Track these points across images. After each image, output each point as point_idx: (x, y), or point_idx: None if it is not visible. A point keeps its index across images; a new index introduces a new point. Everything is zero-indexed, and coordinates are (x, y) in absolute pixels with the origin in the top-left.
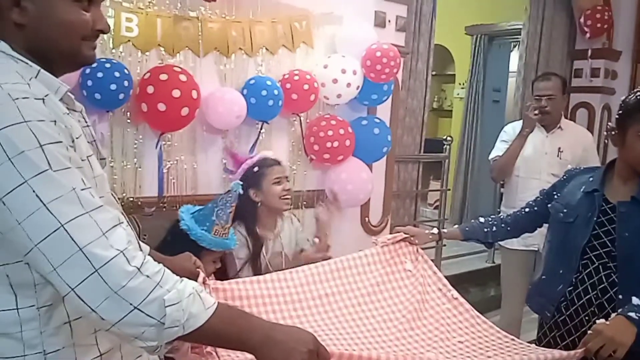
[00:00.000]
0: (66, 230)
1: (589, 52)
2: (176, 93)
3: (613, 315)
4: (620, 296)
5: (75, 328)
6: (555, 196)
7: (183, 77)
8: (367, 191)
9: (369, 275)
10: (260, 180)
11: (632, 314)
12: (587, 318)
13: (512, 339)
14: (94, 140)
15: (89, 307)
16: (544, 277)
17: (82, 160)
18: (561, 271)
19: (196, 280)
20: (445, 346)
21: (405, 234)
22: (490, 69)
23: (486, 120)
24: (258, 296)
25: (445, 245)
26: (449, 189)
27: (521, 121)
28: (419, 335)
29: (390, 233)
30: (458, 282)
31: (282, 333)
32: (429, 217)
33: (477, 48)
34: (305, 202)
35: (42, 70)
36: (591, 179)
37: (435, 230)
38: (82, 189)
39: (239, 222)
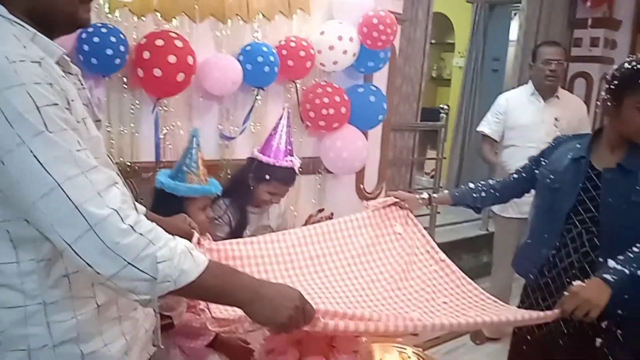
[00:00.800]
0: (62, 189)
1: (589, 21)
2: (172, 59)
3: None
4: (601, 260)
5: (73, 281)
6: (543, 162)
7: (179, 43)
8: (362, 158)
9: (359, 238)
10: (262, 181)
11: (608, 276)
12: (568, 280)
13: (495, 301)
14: (90, 103)
15: (85, 262)
16: (529, 241)
17: (78, 122)
18: (546, 235)
19: (191, 241)
20: (430, 306)
21: (396, 198)
22: (490, 38)
23: (485, 89)
24: (251, 256)
25: (439, 212)
26: (445, 158)
27: (514, 90)
28: (405, 295)
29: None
30: (451, 249)
31: (270, 290)
32: (425, 185)
33: (477, 16)
34: (300, 169)
35: (37, 33)
36: (578, 145)
37: (425, 195)
38: (77, 150)
39: (227, 198)
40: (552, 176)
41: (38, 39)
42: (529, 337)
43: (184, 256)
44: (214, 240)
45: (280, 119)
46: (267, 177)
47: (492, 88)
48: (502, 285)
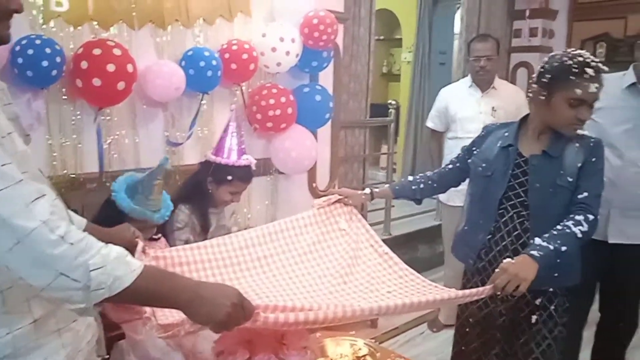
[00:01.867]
0: None
1: (527, 12)
2: (111, 67)
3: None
4: (532, 241)
5: (7, 296)
6: (475, 152)
7: (117, 51)
8: (312, 157)
9: (305, 236)
10: (223, 182)
11: (534, 252)
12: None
13: (435, 286)
14: (17, 118)
15: (17, 274)
16: (466, 227)
17: (2, 137)
18: (481, 221)
19: (135, 250)
20: (375, 297)
21: (339, 195)
22: (436, 32)
23: (433, 82)
24: (198, 261)
25: (394, 206)
26: (396, 152)
27: (454, 83)
28: (351, 289)
29: None
30: (408, 240)
31: (208, 290)
32: (381, 179)
33: (422, 11)
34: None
35: None
36: (506, 134)
37: (367, 191)
38: (2, 165)
39: (188, 204)
40: (483, 164)
41: None
42: (470, 320)
43: (117, 262)
44: (153, 239)
45: (229, 120)
46: (229, 177)
47: (440, 81)
48: (456, 271)
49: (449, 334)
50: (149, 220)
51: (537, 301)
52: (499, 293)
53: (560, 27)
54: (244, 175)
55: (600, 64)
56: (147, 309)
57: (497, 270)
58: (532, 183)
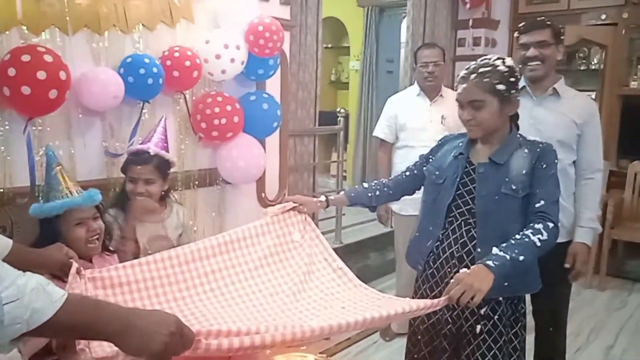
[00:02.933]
0: None
1: (470, 22)
2: (41, 75)
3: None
4: (478, 250)
5: None
6: (431, 159)
7: (48, 58)
8: (260, 166)
9: (257, 247)
10: (125, 173)
11: (490, 262)
12: (449, 270)
13: (390, 297)
14: None
15: None
16: (417, 234)
17: None
18: (431, 228)
19: (69, 271)
20: (329, 313)
21: (294, 202)
22: (383, 40)
23: (381, 90)
24: (140, 280)
25: (344, 214)
26: (345, 160)
27: (401, 92)
28: (303, 305)
29: None
30: (359, 248)
31: (141, 318)
32: (332, 187)
33: (369, 20)
34: (197, 182)
35: None
36: (460, 144)
37: (322, 198)
38: None
39: (114, 210)
40: (437, 172)
41: None
42: (421, 327)
43: (35, 294)
44: (110, 252)
45: (156, 127)
46: (123, 164)
47: (387, 89)
48: (407, 279)
49: (401, 343)
50: (71, 207)
51: (482, 311)
52: (454, 304)
53: (502, 36)
54: (134, 159)
55: (475, 66)
56: (82, 341)
57: (452, 280)
58: (478, 190)
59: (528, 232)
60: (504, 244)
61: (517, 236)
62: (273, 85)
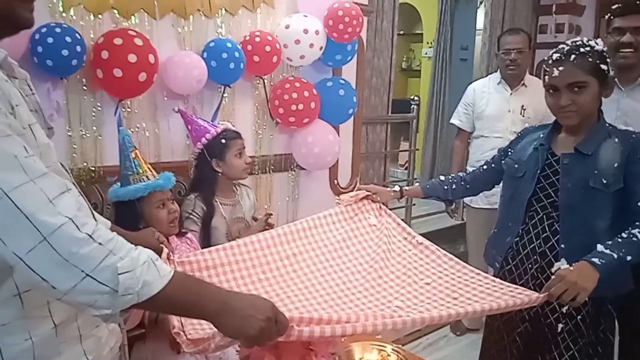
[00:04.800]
0: (10, 199)
1: (554, 8)
2: (132, 58)
3: (557, 264)
4: (562, 245)
5: (25, 300)
6: (510, 152)
7: (139, 41)
8: (335, 153)
9: (334, 233)
10: (224, 151)
11: (596, 260)
12: (529, 266)
13: (478, 273)
14: (40, 109)
15: (39, 276)
16: (496, 230)
17: (24, 128)
18: (510, 224)
19: (160, 255)
20: (413, 290)
21: (367, 191)
22: (458, 27)
23: (454, 78)
24: (225, 264)
25: (414, 204)
26: (418, 149)
27: (482, 80)
28: (387, 283)
29: None
30: (429, 239)
31: (240, 301)
32: (400, 177)
33: (444, 6)
34: (273, 167)
35: None
36: (542, 135)
37: (397, 188)
38: (25, 157)
39: (197, 193)
40: (516, 165)
41: None
42: (495, 324)
43: (147, 267)
44: (182, 233)
45: (182, 114)
46: (223, 141)
47: (461, 77)
48: None
49: (472, 338)
50: (154, 189)
51: (564, 309)
52: (553, 301)
53: (587, 22)
54: (232, 133)
55: (571, 47)
56: (176, 324)
57: (553, 276)
58: (563, 183)
59: (635, 231)
60: (610, 242)
61: (624, 235)
62: (348, 72)
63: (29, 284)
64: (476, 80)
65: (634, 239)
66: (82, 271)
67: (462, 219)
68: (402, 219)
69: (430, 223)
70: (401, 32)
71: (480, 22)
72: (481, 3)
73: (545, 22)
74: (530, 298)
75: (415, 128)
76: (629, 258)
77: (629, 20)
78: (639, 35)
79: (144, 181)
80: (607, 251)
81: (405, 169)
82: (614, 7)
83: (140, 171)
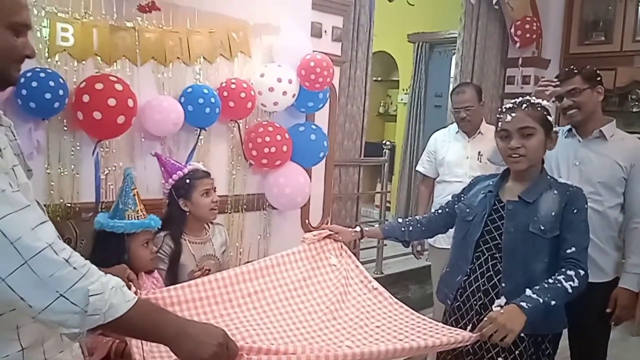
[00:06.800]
0: None
1: (520, 61)
2: (112, 102)
3: (498, 301)
4: (503, 284)
5: None
6: (462, 198)
7: (119, 86)
8: (305, 194)
9: (296, 272)
10: (190, 191)
11: (524, 304)
12: (475, 302)
13: (424, 319)
14: (21, 154)
15: (18, 295)
16: (447, 269)
17: (10, 168)
18: (460, 263)
19: None
20: (364, 332)
21: (330, 231)
22: (432, 75)
23: (428, 124)
24: (189, 300)
25: (386, 245)
26: (389, 191)
27: (443, 129)
28: (340, 324)
29: None
30: (399, 280)
31: (194, 328)
32: (376, 217)
33: (419, 55)
34: (245, 206)
35: None
36: (491, 182)
37: (358, 228)
38: (12, 192)
39: (166, 231)
40: (468, 210)
41: None
42: (447, 358)
43: (114, 292)
44: (158, 272)
45: (156, 155)
46: (188, 181)
47: (435, 123)
48: (441, 312)
49: None
50: (148, 228)
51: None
52: (485, 341)
53: (552, 75)
54: (200, 173)
55: (523, 100)
56: (137, 356)
57: (485, 318)
58: (506, 227)
59: (560, 277)
60: (537, 287)
61: (550, 280)
62: (322, 117)
63: (8, 303)
64: (444, 127)
65: (559, 285)
66: (57, 291)
67: (427, 260)
68: (374, 259)
69: (401, 263)
70: (378, 79)
71: (454, 70)
72: (454, 54)
73: (512, 73)
74: (464, 337)
75: (388, 171)
76: (553, 302)
77: (564, 86)
78: (575, 96)
79: (138, 219)
80: (534, 296)
81: None
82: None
83: (137, 209)
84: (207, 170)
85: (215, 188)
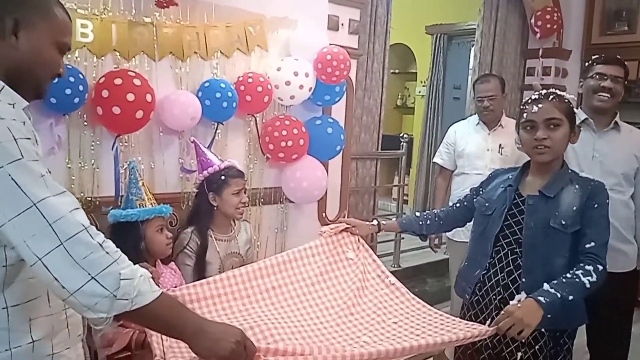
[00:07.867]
0: (37, 208)
1: (540, 52)
2: (130, 97)
3: (518, 296)
4: (523, 279)
5: (12, 314)
6: (481, 192)
7: (137, 81)
8: (322, 188)
9: (313, 266)
10: (222, 187)
11: (541, 298)
12: (494, 297)
13: (441, 315)
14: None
15: (52, 275)
16: (466, 263)
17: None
18: (479, 258)
19: None
20: (381, 328)
21: (347, 224)
22: (450, 67)
23: (446, 116)
24: (208, 297)
25: (403, 238)
26: (406, 184)
27: (463, 121)
28: (357, 320)
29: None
30: (416, 273)
31: (213, 327)
32: (393, 210)
33: (437, 47)
34: (262, 200)
35: (6, 86)
36: (510, 176)
37: (375, 222)
38: (49, 177)
39: (193, 227)
40: (487, 204)
41: (6, 90)
42: (466, 353)
43: (142, 280)
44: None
45: (193, 142)
46: (223, 178)
47: (453, 116)
48: (459, 306)
49: None
50: (160, 214)
51: (523, 338)
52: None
53: (573, 66)
54: (235, 172)
55: (548, 91)
56: (158, 352)
57: (502, 312)
58: (527, 222)
59: (579, 272)
60: (555, 282)
61: (568, 275)
62: (338, 110)
63: (19, 298)
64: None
65: (577, 279)
66: (89, 274)
67: (445, 253)
68: (391, 252)
69: (418, 257)
70: (396, 71)
71: (472, 62)
72: (473, 45)
73: (532, 65)
74: (480, 331)
75: (406, 164)
76: (570, 297)
77: (611, 69)
78: (617, 84)
79: (148, 207)
80: (552, 290)
81: None
82: (595, 56)
83: (145, 198)
84: (241, 170)
85: (246, 190)
